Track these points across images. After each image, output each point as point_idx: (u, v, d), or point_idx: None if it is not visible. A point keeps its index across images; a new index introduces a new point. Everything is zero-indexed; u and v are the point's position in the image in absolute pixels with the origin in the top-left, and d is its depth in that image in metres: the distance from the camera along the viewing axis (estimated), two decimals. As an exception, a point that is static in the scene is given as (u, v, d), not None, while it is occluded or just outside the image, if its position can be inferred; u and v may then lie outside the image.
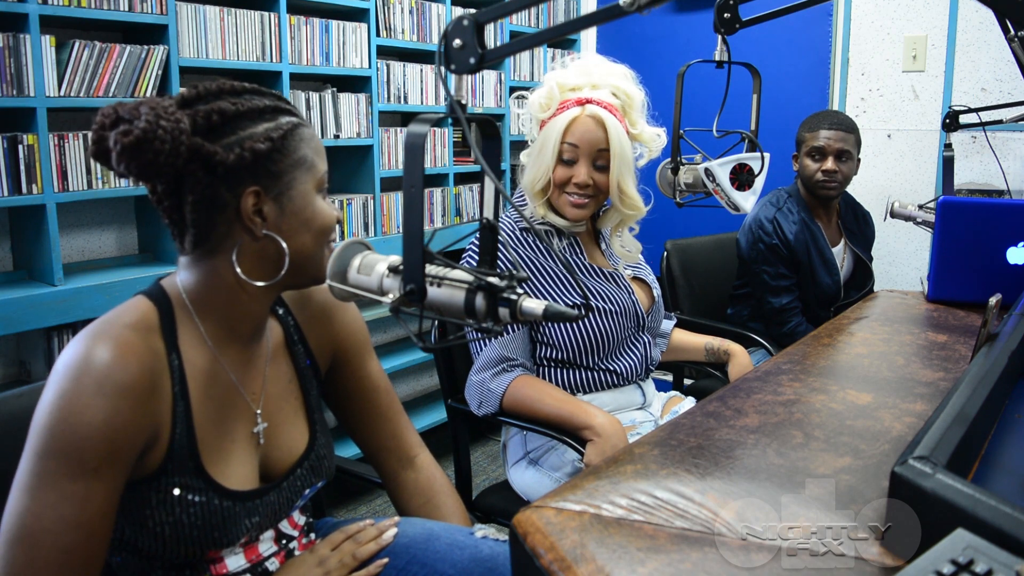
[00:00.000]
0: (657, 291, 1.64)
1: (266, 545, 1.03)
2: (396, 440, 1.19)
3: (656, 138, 1.52)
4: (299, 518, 1.10)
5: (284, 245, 0.91)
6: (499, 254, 1.46)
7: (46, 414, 0.82)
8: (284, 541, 1.06)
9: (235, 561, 0.99)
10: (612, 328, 1.49)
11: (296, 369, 1.07)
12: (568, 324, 1.47)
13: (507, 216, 1.55)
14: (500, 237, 1.47)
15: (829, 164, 2.19)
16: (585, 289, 1.46)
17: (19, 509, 0.81)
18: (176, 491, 0.90)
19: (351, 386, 1.16)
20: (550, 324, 1.48)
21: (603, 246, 1.61)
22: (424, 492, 1.19)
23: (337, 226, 0.99)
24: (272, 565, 1.03)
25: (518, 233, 1.52)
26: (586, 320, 1.47)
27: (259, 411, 1.00)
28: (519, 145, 3.56)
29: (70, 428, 0.81)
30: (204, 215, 0.89)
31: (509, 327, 1.45)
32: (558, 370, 1.52)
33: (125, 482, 0.86)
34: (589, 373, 1.51)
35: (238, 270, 0.91)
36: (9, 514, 0.82)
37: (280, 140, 0.89)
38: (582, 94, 1.45)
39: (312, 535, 1.13)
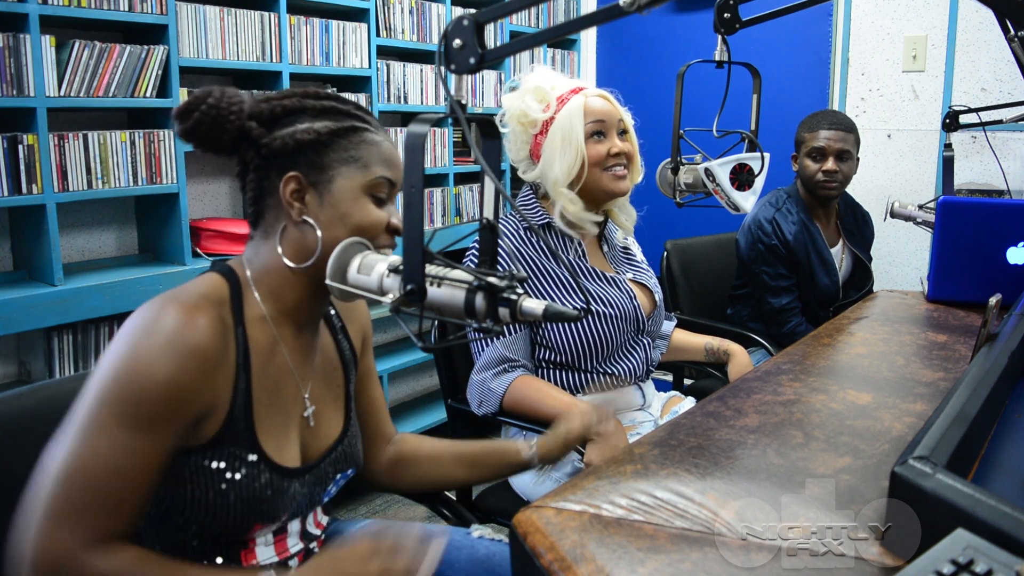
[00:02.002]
0: (659, 295, 1.64)
1: (293, 540, 1.04)
2: (386, 425, 1.24)
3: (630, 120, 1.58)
4: (322, 517, 1.12)
5: (318, 231, 0.95)
6: (501, 254, 1.47)
7: (113, 365, 0.85)
8: (308, 540, 1.07)
9: (265, 552, 1.00)
10: (612, 332, 1.49)
11: (341, 358, 1.11)
12: (568, 327, 1.47)
13: (513, 216, 1.55)
14: (504, 237, 1.48)
15: (830, 164, 2.19)
16: (586, 292, 1.47)
17: (69, 450, 0.84)
18: (234, 462, 0.92)
19: (361, 375, 1.19)
20: (550, 326, 1.48)
21: (605, 248, 1.61)
22: (410, 447, 1.25)
23: (396, 236, 1.00)
24: (292, 562, 1.04)
25: (522, 233, 1.52)
26: (586, 323, 1.47)
27: (307, 395, 1.04)
28: (519, 145, 3.55)
29: (135, 380, 0.84)
30: (258, 194, 0.97)
31: (511, 328, 1.45)
32: (558, 372, 1.51)
33: (175, 445, 0.88)
34: (588, 375, 1.51)
35: (279, 249, 0.96)
36: (60, 454, 0.85)
37: (329, 135, 0.95)
38: (569, 87, 1.49)
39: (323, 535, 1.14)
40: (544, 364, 1.52)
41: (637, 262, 1.66)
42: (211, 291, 0.94)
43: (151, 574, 0.85)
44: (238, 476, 0.92)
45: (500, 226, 1.48)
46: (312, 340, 1.05)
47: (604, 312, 1.49)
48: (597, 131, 1.47)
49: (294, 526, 1.04)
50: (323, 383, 1.07)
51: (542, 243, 1.50)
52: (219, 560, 0.96)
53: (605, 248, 1.62)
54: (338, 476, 1.08)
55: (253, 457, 0.93)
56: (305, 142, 0.94)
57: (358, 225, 0.96)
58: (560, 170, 1.46)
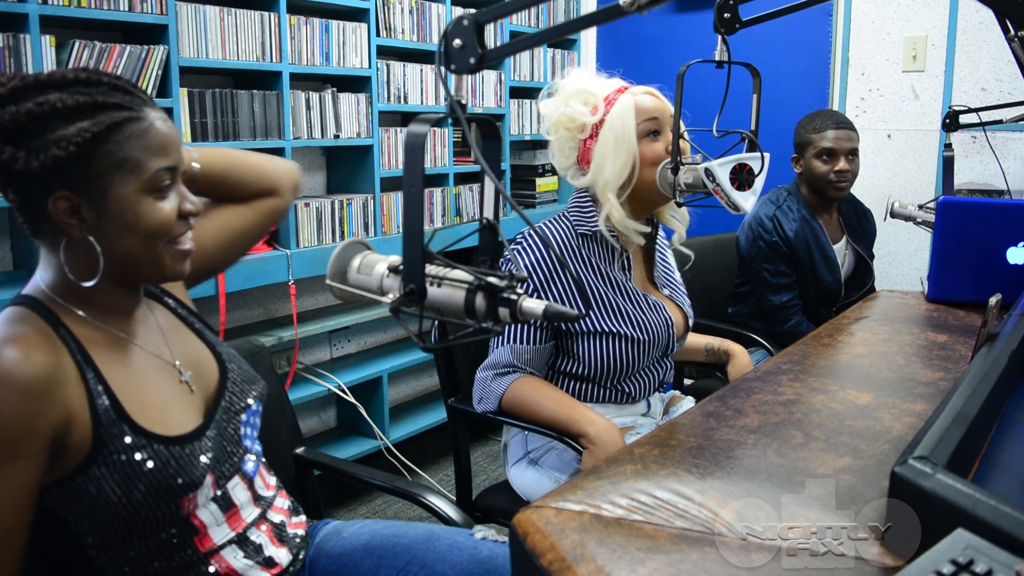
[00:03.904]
0: (691, 317, 1.61)
1: (247, 510, 1.03)
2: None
3: None
4: (270, 478, 1.12)
5: (98, 248, 0.88)
6: (539, 263, 1.43)
7: None
8: (263, 504, 1.06)
9: (220, 532, 0.99)
10: (639, 356, 1.47)
11: (178, 316, 1.09)
12: (599, 345, 1.44)
13: (567, 222, 1.48)
14: (536, 249, 1.44)
15: (842, 164, 2.20)
16: (622, 316, 1.45)
17: None
18: (122, 456, 0.89)
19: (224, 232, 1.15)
20: (584, 344, 1.45)
21: (655, 258, 1.57)
22: None
23: (190, 219, 0.95)
24: (256, 536, 1.03)
25: (573, 243, 1.46)
26: (617, 344, 1.44)
27: (177, 362, 1.02)
28: (519, 145, 3.56)
29: None
30: (27, 214, 0.90)
31: (531, 341, 1.44)
32: (571, 382, 1.50)
33: (35, 478, 0.85)
34: (602, 390, 1.50)
35: (66, 269, 0.90)
36: None
37: (91, 143, 0.85)
38: (614, 87, 1.45)
39: (302, 517, 1.14)
40: (562, 373, 1.50)
41: (675, 280, 1.63)
42: (22, 316, 0.89)
43: None
44: (138, 465, 0.90)
45: (545, 231, 1.46)
46: (147, 315, 1.02)
47: (637, 338, 1.45)
48: (652, 130, 1.42)
49: (240, 495, 1.03)
50: (183, 345, 1.05)
51: (587, 254, 1.47)
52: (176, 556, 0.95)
53: (655, 258, 1.58)
54: (246, 415, 1.06)
55: (141, 442, 0.91)
56: (64, 158, 0.84)
57: (148, 230, 0.90)
58: (611, 173, 1.40)
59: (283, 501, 1.12)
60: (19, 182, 0.86)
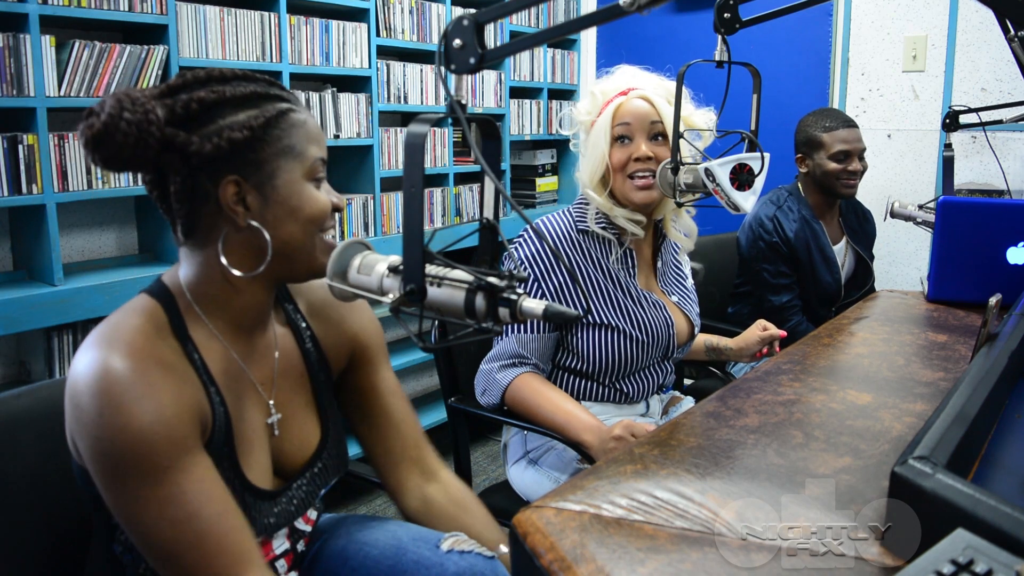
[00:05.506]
0: (698, 325, 1.61)
1: (279, 542, 1.02)
2: (419, 451, 1.16)
3: (706, 120, 1.48)
4: (312, 513, 1.10)
5: (267, 235, 0.90)
6: (541, 252, 1.44)
7: (96, 440, 0.81)
8: (296, 537, 1.05)
9: None
10: (639, 355, 1.47)
11: (306, 363, 1.06)
12: (599, 340, 1.45)
13: (570, 217, 1.50)
14: (553, 238, 1.45)
15: (856, 164, 2.21)
16: (622, 311, 1.45)
17: (141, 540, 0.82)
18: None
19: (367, 390, 1.13)
20: (583, 335, 1.46)
21: (659, 264, 1.57)
22: (458, 504, 1.16)
23: (337, 214, 0.97)
24: (280, 566, 1.02)
25: (574, 236, 1.48)
26: (616, 341, 1.45)
27: (272, 401, 1.00)
28: (519, 145, 3.56)
29: (126, 443, 0.80)
30: (188, 204, 0.89)
31: (535, 328, 1.44)
32: (573, 378, 1.51)
33: (207, 456, 0.86)
34: (603, 388, 1.51)
35: (223, 260, 0.90)
36: (140, 547, 0.83)
37: (261, 128, 0.88)
38: (618, 89, 1.47)
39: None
40: (562, 368, 1.51)
41: (687, 287, 1.63)
42: (147, 319, 0.88)
43: None
44: None
45: (546, 224, 1.47)
46: (265, 342, 1.01)
47: (637, 337, 1.46)
48: (622, 135, 1.44)
49: (280, 531, 1.02)
50: (288, 389, 1.03)
51: (588, 249, 1.48)
52: None
53: (659, 264, 1.58)
54: (321, 491, 1.05)
55: (230, 476, 0.90)
56: (239, 141, 0.86)
57: (310, 216, 0.92)
58: (585, 173, 1.47)
59: (312, 530, 1.10)
60: (190, 165, 0.86)
